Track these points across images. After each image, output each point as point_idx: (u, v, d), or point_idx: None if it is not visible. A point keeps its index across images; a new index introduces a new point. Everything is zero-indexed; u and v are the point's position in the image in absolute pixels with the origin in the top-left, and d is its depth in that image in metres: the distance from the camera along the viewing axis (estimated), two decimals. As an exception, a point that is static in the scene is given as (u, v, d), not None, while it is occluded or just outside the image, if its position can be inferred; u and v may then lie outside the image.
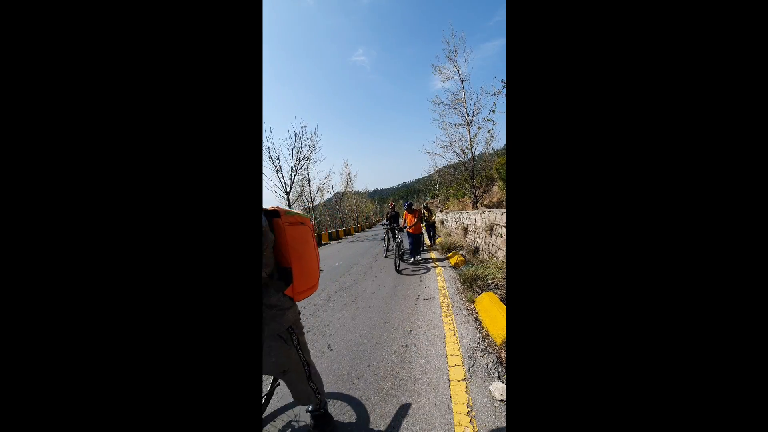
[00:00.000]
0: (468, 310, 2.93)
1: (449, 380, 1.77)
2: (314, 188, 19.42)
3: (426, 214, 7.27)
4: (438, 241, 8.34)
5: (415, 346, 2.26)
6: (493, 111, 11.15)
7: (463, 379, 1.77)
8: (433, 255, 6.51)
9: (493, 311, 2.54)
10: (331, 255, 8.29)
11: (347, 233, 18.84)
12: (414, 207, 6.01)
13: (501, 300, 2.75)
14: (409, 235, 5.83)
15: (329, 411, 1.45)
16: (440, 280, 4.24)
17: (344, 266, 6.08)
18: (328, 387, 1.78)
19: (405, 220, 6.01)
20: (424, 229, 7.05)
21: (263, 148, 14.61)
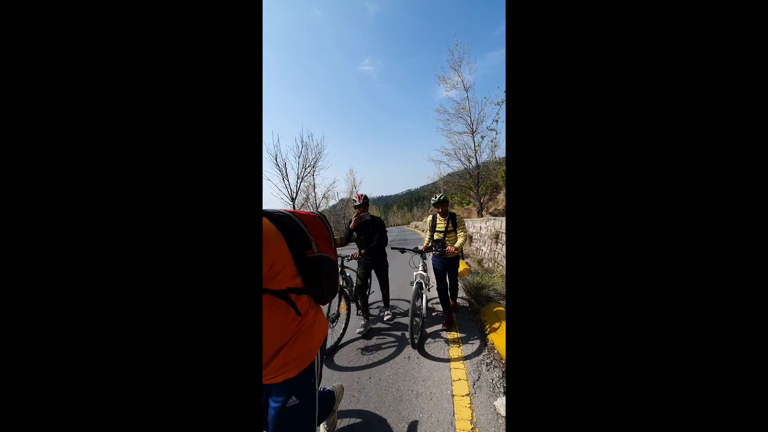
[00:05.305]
0: (473, 321, 2.88)
1: (453, 395, 1.72)
2: (319, 195, 19.54)
3: (447, 228, 2.75)
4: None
5: (417, 357, 2.22)
6: (496, 120, 11.14)
7: (467, 395, 1.72)
8: None
9: (497, 323, 2.49)
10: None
11: (352, 240, 18.92)
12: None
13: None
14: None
15: None
16: None
17: (348, 274, 6.05)
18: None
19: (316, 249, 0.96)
20: (427, 264, 2.79)
21: (270, 156, 14.72)
